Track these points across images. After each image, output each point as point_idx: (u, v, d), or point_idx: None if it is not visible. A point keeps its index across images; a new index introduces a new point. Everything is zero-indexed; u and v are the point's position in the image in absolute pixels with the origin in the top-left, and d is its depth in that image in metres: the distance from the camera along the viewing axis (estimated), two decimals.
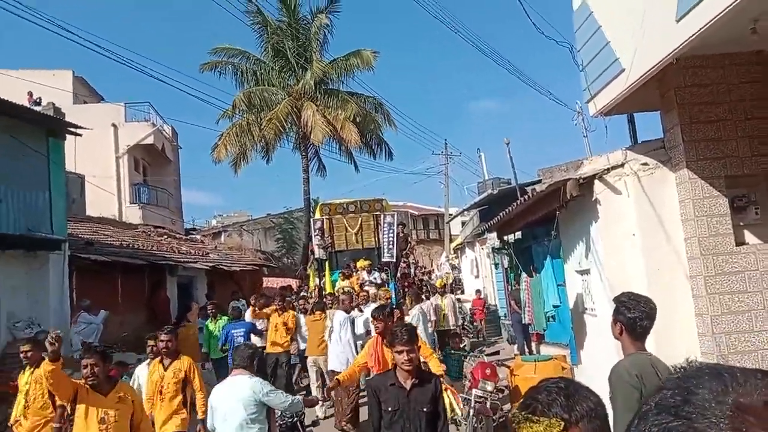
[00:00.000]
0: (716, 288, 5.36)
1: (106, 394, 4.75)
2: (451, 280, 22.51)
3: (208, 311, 11.87)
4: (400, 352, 3.87)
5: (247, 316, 12.24)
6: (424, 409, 3.87)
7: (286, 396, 5.19)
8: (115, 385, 4.91)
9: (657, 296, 5.67)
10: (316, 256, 15.30)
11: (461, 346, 10.18)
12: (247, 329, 10.62)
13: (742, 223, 5.63)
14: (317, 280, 15.30)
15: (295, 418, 5.73)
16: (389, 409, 3.88)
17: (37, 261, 11.21)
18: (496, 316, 18.35)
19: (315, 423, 9.18)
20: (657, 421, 0.63)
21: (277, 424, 5.56)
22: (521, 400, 1.39)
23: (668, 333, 5.15)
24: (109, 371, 4.87)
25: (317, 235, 15.12)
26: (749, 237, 5.63)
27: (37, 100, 16.39)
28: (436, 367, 5.84)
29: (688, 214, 5.55)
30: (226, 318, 11.22)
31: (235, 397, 4.89)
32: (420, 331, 9.29)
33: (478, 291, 19.34)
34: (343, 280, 13.54)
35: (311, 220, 17.05)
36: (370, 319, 8.74)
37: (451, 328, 13.00)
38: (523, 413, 1.32)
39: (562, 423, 1.28)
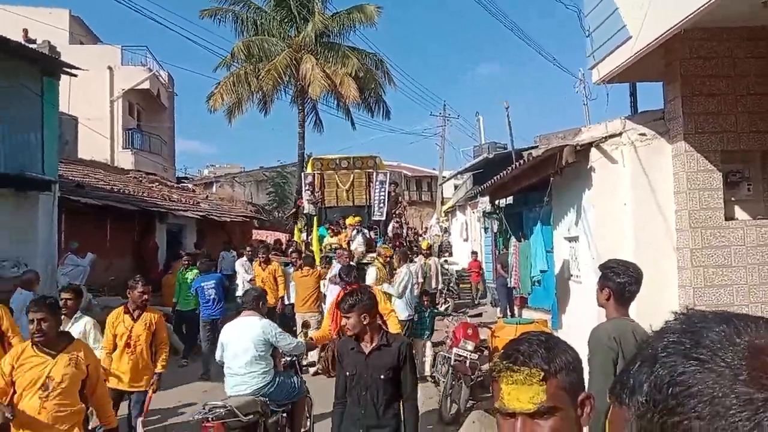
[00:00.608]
0: (701, 261, 5.42)
1: (55, 355, 4.00)
2: (439, 243, 22.58)
3: (183, 262, 11.48)
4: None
5: (237, 266, 12.20)
6: (381, 377, 3.62)
7: (291, 338, 5.59)
8: (70, 343, 4.16)
9: (643, 266, 5.74)
10: (305, 211, 14.92)
11: (442, 306, 10.19)
12: (218, 281, 10.16)
13: (733, 199, 5.65)
14: (304, 235, 14.93)
15: (294, 358, 6.01)
16: (348, 373, 3.71)
17: (27, 201, 11.13)
18: (482, 279, 18.49)
19: (311, 365, 9.43)
20: (666, 363, 0.59)
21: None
22: (502, 351, 1.41)
23: (651, 303, 5.20)
24: (59, 326, 4.21)
25: (308, 189, 14.73)
26: (739, 213, 5.66)
27: (33, 39, 15.94)
28: (393, 325, 5.88)
29: (681, 186, 5.56)
30: (195, 271, 10.69)
31: (246, 336, 5.23)
32: (407, 291, 9.39)
33: (474, 253, 18.74)
34: (331, 237, 13.29)
35: (302, 173, 16.60)
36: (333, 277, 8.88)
37: (432, 290, 12.59)
38: (504, 362, 1.35)
39: (542, 373, 1.31)
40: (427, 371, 8.73)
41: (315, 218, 14.52)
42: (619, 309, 3.19)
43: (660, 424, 0.56)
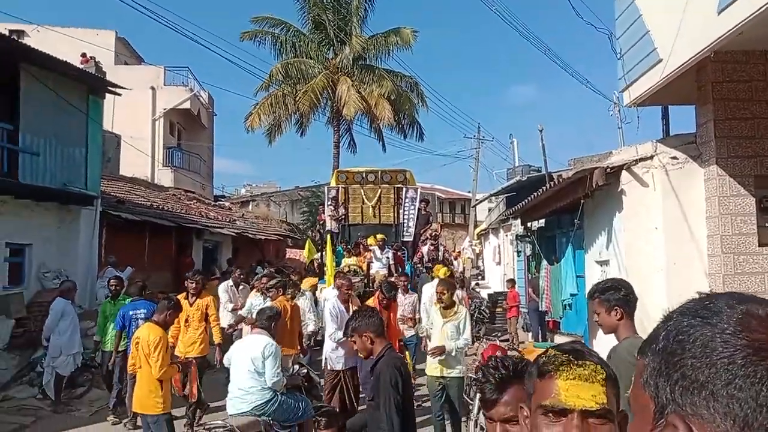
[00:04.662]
0: (734, 287, 5.30)
1: None
2: (471, 267, 22.18)
3: (110, 286, 8.87)
4: None
5: (220, 291, 10.21)
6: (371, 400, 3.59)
7: (277, 369, 5.36)
8: None
9: (674, 291, 5.68)
10: (327, 228, 13.64)
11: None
12: (150, 310, 7.34)
13: (767, 224, 5.54)
14: (319, 254, 13.26)
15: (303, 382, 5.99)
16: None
17: (70, 215, 11.54)
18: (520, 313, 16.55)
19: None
20: (678, 320, 0.75)
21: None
22: (542, 355, 1.31)
23: None
24: None
25: (330, 204, 13.63)
26: None
27: (93, 58, 15.99)
28: None
29: (713, 211, 5.48)
30: (129, 299, 8.37)
31: (247, 351, 5.37)
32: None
33: (511, 281, 14.40)
34: (349, 257, 12.12)
35: (326, 188, 15.05)
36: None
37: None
38: (564, 356, 1.24)
39: (605, 372, 1.23)
40: None
41: (335, 236, 12.99)
42: (630, 327, 3.11)
43: (666, 362, 0.73)
